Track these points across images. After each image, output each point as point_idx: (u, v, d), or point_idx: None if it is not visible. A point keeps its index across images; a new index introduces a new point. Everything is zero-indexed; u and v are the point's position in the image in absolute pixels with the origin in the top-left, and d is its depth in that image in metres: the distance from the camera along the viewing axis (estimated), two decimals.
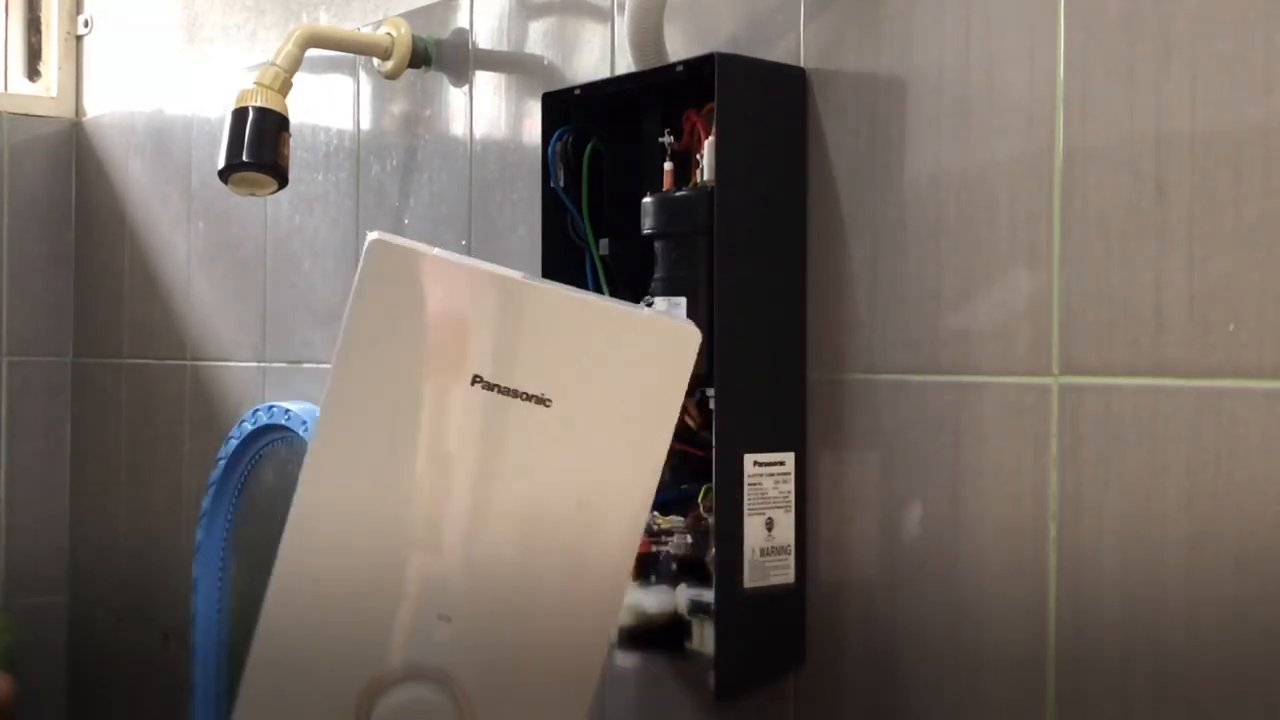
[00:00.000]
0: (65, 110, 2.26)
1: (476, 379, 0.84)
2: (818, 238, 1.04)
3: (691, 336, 0.87)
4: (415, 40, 1.44)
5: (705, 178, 1.04)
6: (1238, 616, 0.79)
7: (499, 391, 0.84)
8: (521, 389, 0.84)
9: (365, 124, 1.56)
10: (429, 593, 0.85)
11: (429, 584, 0.86)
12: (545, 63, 1.32)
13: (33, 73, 2.31)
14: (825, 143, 1.03)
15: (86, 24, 2.26)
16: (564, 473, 0.86)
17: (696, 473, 1.05)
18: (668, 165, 1.09)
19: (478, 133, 1.40)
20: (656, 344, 0.87)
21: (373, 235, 0.84)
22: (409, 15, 1.46)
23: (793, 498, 1.03)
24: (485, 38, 1.39)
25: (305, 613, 0.86)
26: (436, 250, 0.86)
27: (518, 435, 0.85)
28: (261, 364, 1.74)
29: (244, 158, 1.31)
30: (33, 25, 2.31)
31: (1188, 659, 0.82)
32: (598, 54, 1.26)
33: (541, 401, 0.84)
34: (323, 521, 0.86)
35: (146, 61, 2.09)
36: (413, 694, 0.84)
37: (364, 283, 0.84)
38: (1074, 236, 0.88)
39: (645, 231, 1.07)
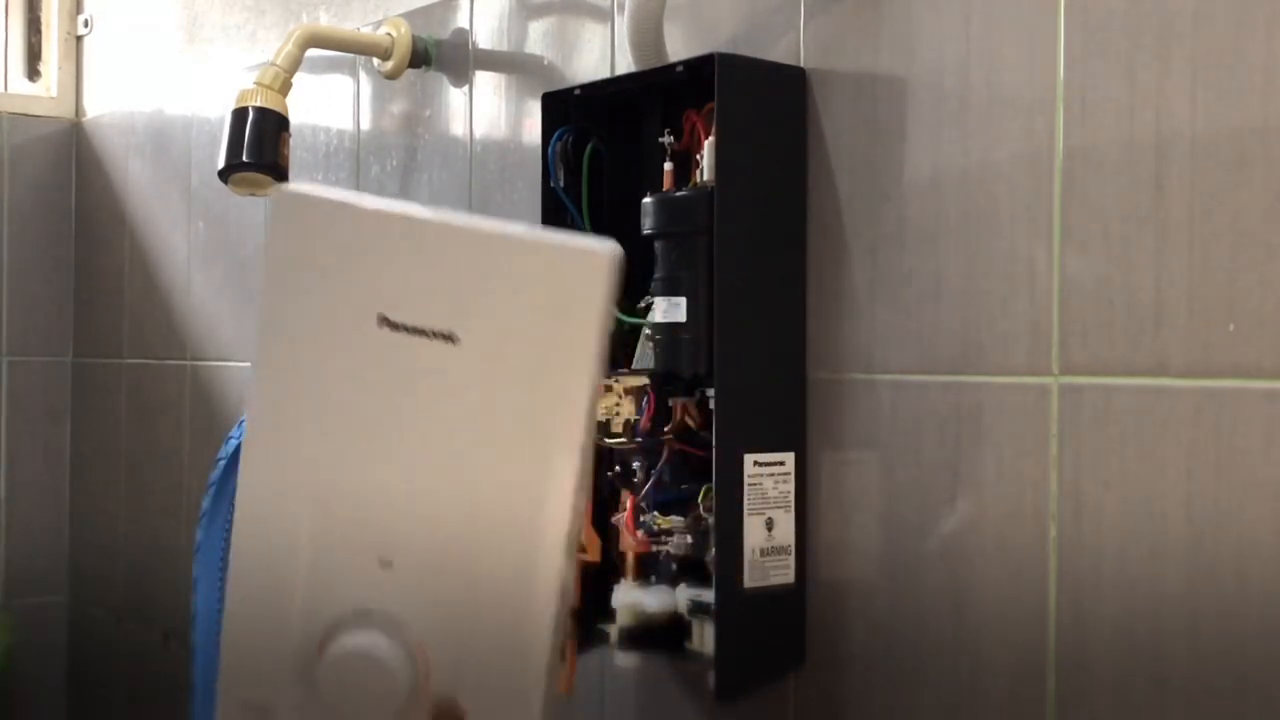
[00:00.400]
0: (65, 110, 2.26)
1: (383, 320, 0.83)
2: (818, 237, 1.04)
3: (598, 257, 0.84)
4: (415, 40, 1.44)
5: (705, 178, 1.04)
6: (1237, 616, 0.79)
7: (405, 331, 0.83)
8: (427, 326, 0.83)
9: (365, 124, 1.56)
10: (365, 539, 0.85)
11: (363, 530, 0.85)
12: (545, 63, 1.32)
13: (33, 73, 2.31)
14: (825, 143, 1.03)
15: (86, 24, 2.26)
16: (479, 410, 0.85)
17: (696, 473, 1.05)
18: (668, 165, 1.09)
19: (478, 133, 1.40)
20: (563, 269, 0.84)
21: (283, 186, 0.84)
22: (409, 15, 1.46)
23: (793, 498, 1.03)
24: (485, 38, 1.39)
25: (260, 566, 0.87)
26: (341, 193, 0.85)
27: (428, 375, 0.84)
28: None
29: (244, 158, 1.31)
30: (33, 25, 2.31)
31: (1187, 659, 0.82)
32: (598, 54, 1.26)
33: (448, 338, 0.83)
34: (264, 478, 0.87)
35: (146, 61, 2.09)
36: (360, 639, 0.84)
37: (273, 234, 0.84)
38: (1074, 236, 0.88)
39: (645, 231, 1.07)
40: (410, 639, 0.84)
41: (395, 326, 0.84)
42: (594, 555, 1.01)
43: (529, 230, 0.88)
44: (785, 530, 1.03)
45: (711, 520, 1.02)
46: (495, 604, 0.85)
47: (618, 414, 1.06)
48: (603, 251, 0.83)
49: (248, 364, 1.77)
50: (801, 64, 1.05)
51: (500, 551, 0.84)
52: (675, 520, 1.05)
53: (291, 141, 1.36)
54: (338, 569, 0.85)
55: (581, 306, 0.83)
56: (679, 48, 1.13)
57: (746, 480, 1.01)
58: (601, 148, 1.15)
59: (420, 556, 0.84)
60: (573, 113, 1.15)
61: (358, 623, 0.85)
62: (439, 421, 0.85)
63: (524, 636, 0.85)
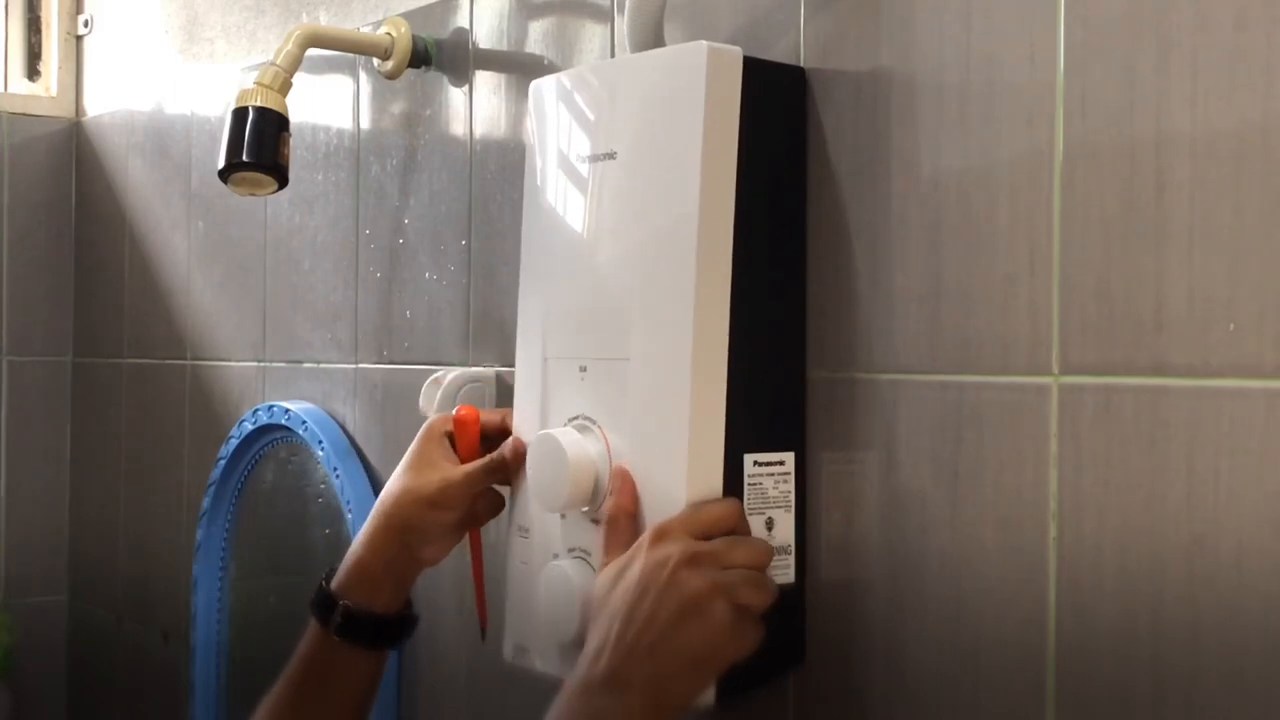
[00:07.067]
0: (65, 110, 2.26)
1: (580, 158, 1.06)
2: (818, 238, 1.04)
3: (692, 53, 0.95)
4: (415, 40, 1.44)
5: None
6: (1238, 616, 0.79)
7: (590, 161, 1.04)
8: (600, 153, 1.03)
9: (365, 124, 1.56)
10: (571, 350, 1.05)
11: (570, 342, 1.05)
12: (545, 63, 1.32)
13: (33, 73, 2.31)
14: (825, 143, 1.03)
15: (86, 24, 2.26)
16: (635, 216, 1.00)
17: None
18: None
19: (478, 133, 1.40)
20: (669, 73, 0.98)
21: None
22: (409, 15, 1.46)
23: (793, 498, 1.03)
24: (485, 38, 1.39)
25: (525, 397, 1.10)
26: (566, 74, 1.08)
27: (604, 189, 1.03)
28: (261, 364, 1.74)
29: (244, 157, 1.31)
30: (33, 25, 2.31)
31: (1187, 659, 0.82)
32: (597, 54, 1.26)
33: (609, 157, 1.02)
34: (526, 309, 1.13)
35: (146, 61, 2.09)
36: (562, 433, 1.01)
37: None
38: (1074, 236, 0.88)
39: None
40: (600, 429, 1.02)
41: (586, 160, 1.05)
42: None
43: (646, 52, 1.06)
44: (785, 530, 1.03)
45: None
46: (656, 396, 0.99)
47: None
48: (696, 49, 0.96)
49: (248, 364, 1.77)
50: (801, 64, 1.05)
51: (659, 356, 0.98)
52: None
53: (291, 141, 1.36)
54: (557, 375, 1.07)
55: (687, 99, 0.96)
56: None
57: (746, 480, 1.01)
58: None
59: (603, 363, 1.03)
60: None
61: (570, 420, 1.05)
62: (614, 234, 1.02)
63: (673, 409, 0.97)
